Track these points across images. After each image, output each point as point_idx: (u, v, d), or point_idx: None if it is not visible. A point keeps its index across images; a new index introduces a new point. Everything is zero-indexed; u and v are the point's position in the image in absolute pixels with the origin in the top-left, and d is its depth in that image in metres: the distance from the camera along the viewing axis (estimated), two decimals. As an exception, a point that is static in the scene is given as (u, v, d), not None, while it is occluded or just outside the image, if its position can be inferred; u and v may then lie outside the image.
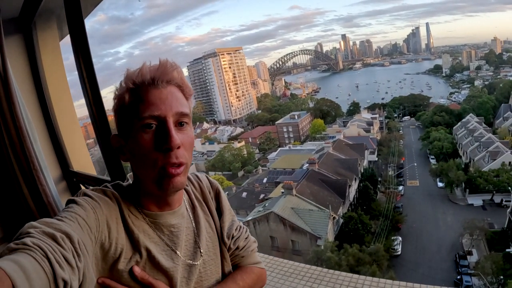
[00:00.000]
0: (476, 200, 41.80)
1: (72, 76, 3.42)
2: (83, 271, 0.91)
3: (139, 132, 1.08)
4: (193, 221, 1.33)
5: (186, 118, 1.13)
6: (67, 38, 3.37)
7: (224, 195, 1.49)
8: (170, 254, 1.20)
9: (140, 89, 1.10)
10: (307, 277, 5.17)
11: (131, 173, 1.24)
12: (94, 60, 2.22)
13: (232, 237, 1.42)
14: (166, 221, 1.21)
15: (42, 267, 0.77)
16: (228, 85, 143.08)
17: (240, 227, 1.48)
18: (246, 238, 1.48)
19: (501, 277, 26.08)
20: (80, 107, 3.69)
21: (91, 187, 1.22)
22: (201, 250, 1.30)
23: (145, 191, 1.17)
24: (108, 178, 2.49)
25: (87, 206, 1.05)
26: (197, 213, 1.35)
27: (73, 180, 3.28)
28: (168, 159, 1.08)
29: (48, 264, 0.78)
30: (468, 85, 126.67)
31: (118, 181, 1.27)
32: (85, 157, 3.49)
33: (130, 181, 1.27)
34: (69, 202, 1.07)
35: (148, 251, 1.14)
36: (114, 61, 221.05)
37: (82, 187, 3.07)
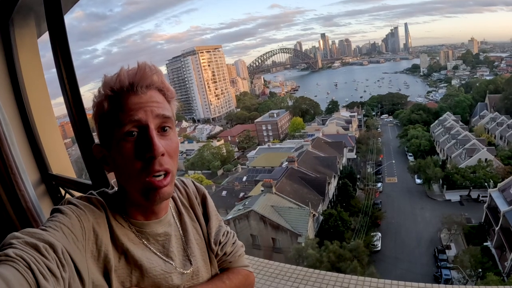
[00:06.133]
0: (453, 196, 42.99)
1: (47, 74, 3.32)
2: (69, 281, 0.87)
3: (120, 141, 1.04)
4: (180, 229, 1.30)
5: (169, 122, 1.09)
6: (44, 36, 3.27)
7: (210, 200, 1.47)
8: (157, 262, 1.16)
9: (119, 96, 1.05)
10: (293, 277, 5.20)
11: (115, 179, 1.19)
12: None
13: (220, 243, 1.40)
14: (152, 230, 1.18)
15: (25, 279, 0.75)
16: (207, 83, 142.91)
17: (227, 232, 1.46)
18: (233, 243, 1.47)
19: (480, 270, 26.85)
20: (55, 106, 3.57)
21: (76, 195, 1.17)
22: (190, 258, 1.28)
23: (131, 200, 1.13)
24: (89, 182, 2.42)
25: (72, 214, 1.01)
26: (183, 220, 1.33)
27: (52, 184, 3.17)
28: (151, 167, 1.03)
29: (31, 275, 0.77)
30: (445, 84, 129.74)
31: (103, 189, 1.23)
32: (64, 159, 3.38)
33: (116, 188, 1.22)
34: (53, 211, 1.03)
35: (134, 260, 1.10)
36: (92, 59, 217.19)
37: (62, 191, 3.00)
